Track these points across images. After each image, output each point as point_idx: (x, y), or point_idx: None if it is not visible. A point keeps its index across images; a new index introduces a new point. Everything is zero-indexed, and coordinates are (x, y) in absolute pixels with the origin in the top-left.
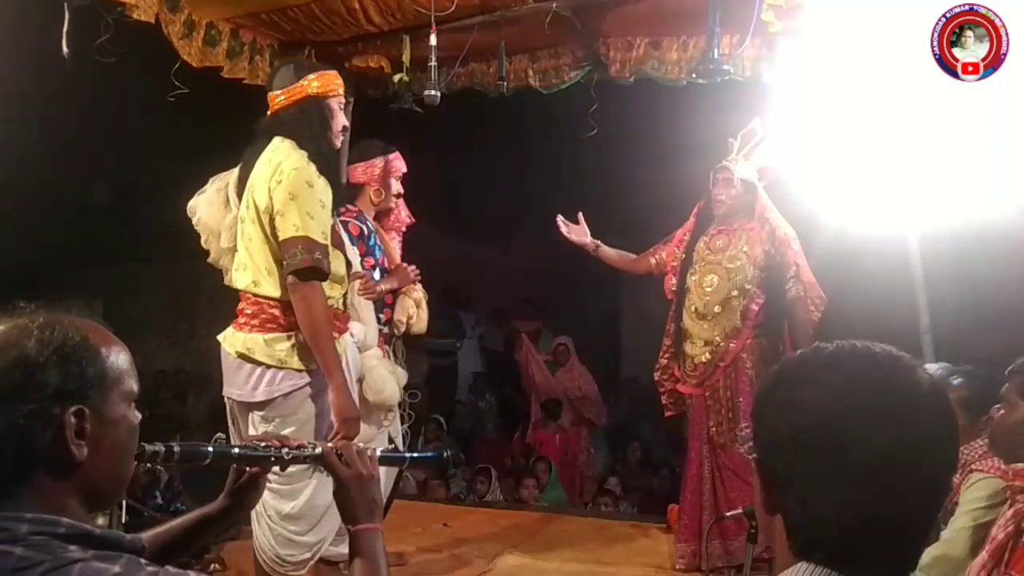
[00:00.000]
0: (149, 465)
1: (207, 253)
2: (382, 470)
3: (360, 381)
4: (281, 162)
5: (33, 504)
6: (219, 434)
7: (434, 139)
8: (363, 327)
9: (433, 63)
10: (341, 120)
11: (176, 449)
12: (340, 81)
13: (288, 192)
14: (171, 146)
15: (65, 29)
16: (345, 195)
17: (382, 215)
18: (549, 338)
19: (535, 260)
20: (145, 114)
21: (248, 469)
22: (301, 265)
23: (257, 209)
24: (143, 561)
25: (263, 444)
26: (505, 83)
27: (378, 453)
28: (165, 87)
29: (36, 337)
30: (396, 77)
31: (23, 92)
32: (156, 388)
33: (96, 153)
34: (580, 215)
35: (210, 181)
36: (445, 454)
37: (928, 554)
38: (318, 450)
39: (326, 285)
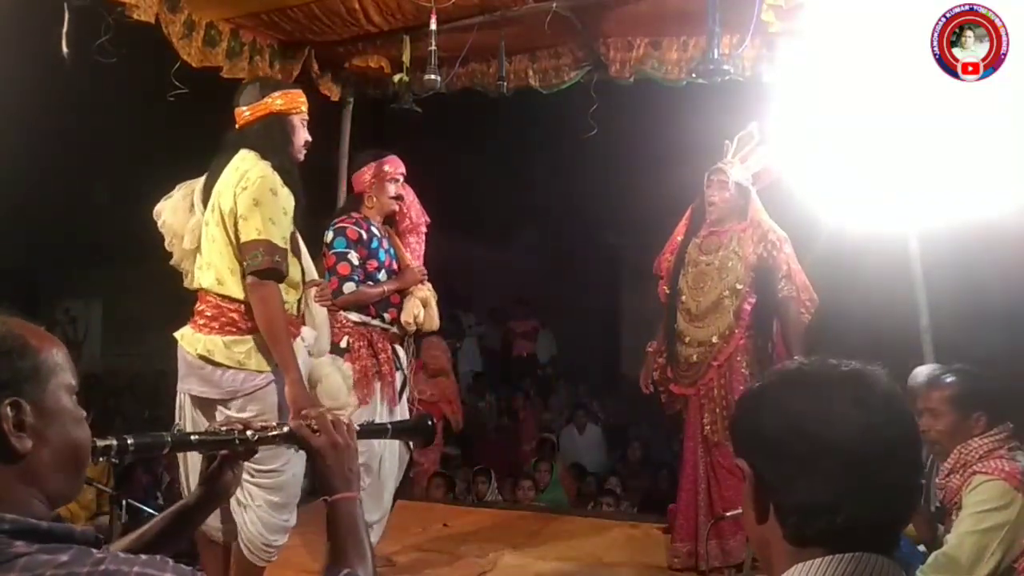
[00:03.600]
0: (103, 459)
1: (170, 256)
2: (389, 465)
3: (313, 387)
4: (248, 170)
5: None
6: (178, 422)
7: (434, 139)
8: (314, 333)
9: (432, 47)
10: (303, 136)
11: (130, 442)
12: (303, 99)
13: (253, 198)
14: (171, 146)
15: (65, 29)
16: (351, 205)
17: (391, 219)
18: (549, 338)
19: (535, 260)
20: (145, 114)
21: (218, 455)
22: (261, 266)
23: (222, 213)
24: (93, 550)
25: (225, 429)
26: (505, 83)
27: (356, 425)
28: (165, 87)
29: None
30: (396, 77)
31: (23, 92)
32: (156, 388)
33: (95, 153)
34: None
35: (177, 188)
36: (430, 421)
37: (933, 557)
38: (286, 428)
39: (282, 288)
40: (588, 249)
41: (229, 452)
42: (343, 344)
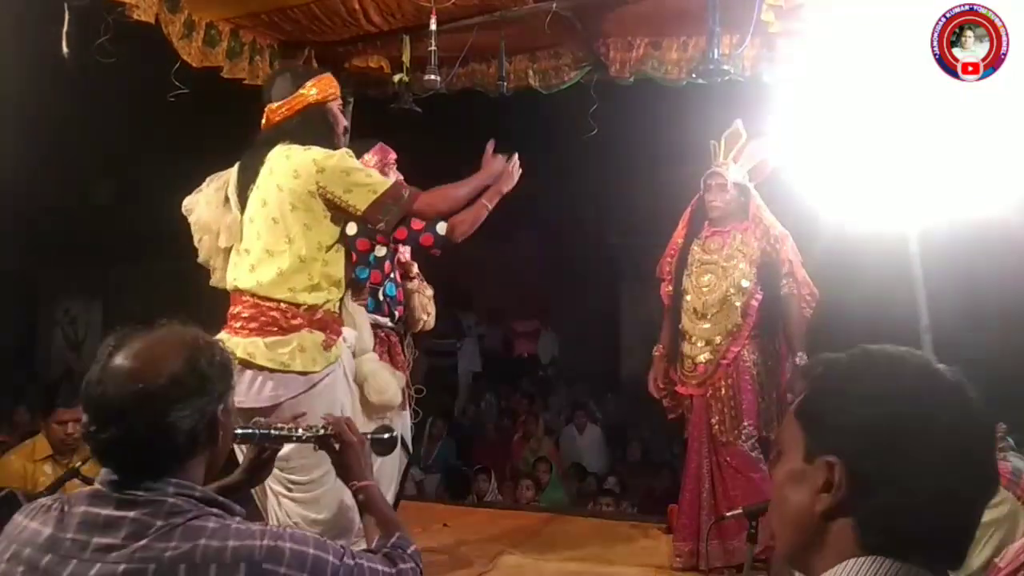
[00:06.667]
0: None
1: (196, 252)
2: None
3: (360, 385)
4: (314, 159)
5: (184, 476)
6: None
7: (434, 139)
8: (355, 332)
9: (432, 47)
10: (343, 122)
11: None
12: (336, 84)
13: (341, 171)
14: (171, 146)
15: (65, 29)
16: None
17: None
18: (550, 339)
19: (535, 260)
20: (145, 114)
21: (268, 447)
22: (402, 214)
23: (291, 204)
24: (247, 521)
25: (287, 427)
26: (505, 83)
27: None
28: (165, 87)
29: (204, 351)
30: (396, 77)
31: (23, 92)
32: None
33: (95, 153)
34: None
35: (207, 180)
36: (387, 434)
37: None
38: (327, 429)
39: (324, 287)
40: (588, 249)
41: (273, 446)
42: None
